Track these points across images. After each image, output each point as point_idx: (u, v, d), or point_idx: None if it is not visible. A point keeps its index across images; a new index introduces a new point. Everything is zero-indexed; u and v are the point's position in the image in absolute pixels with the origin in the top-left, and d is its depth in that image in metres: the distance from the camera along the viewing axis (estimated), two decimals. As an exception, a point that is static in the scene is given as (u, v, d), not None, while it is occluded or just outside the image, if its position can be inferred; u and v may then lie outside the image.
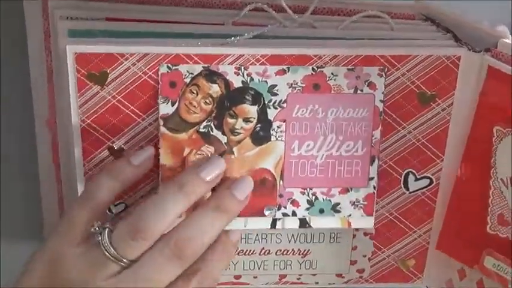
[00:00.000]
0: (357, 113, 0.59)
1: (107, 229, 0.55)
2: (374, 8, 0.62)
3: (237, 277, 0.67)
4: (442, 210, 0.64)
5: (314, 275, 0.67)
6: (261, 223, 0.61)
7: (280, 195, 0.61)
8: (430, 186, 0.64)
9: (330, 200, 0.61)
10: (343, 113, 0.59)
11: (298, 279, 0.67)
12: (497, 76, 0.57)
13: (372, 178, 0.61)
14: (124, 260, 0.54)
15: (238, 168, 0.59)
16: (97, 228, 0.55)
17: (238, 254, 0.65)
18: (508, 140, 0.58)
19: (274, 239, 0.65)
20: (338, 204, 0.61)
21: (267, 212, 0.61)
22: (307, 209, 0.61)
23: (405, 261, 0.67)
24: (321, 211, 0.61)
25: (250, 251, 0.65)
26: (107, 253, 0.54)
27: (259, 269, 0.66)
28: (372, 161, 0.61)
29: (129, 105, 0.58)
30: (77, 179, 0.60)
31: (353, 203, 0.61)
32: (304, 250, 0.66)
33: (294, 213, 0.61)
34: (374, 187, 0.61)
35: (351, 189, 0.61)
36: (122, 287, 0.53)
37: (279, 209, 0.61)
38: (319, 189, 0.61)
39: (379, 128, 0.60)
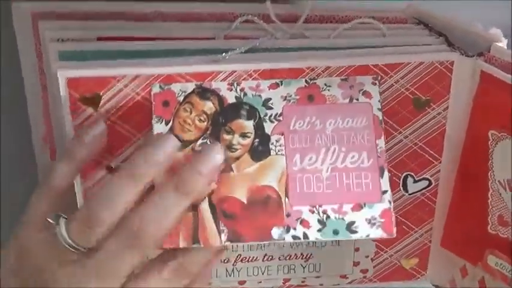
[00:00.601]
0: (356, 123, 0.58)
1: (61, 218, 0.55)
2: (366, 13, 0.61)
3: (241, 283, 0.67)
4: (442, 210, 0.65)
5: (318, 277, 0.67)
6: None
7: (288, 215, 0.57)
8: (429, 187, 0.64)
9: (343, 219, 0.57)
10: (341, 123, 0.58)
11: (303, 282, 0.68)
12: (490, 81, 0.57)
13: (386, 191, 0.57)
14: (81, 248, 0.54)
15: (239, 185, 0.57)
16: (52, 220, 0.55)
17: (241, 261, 0.66)
18: (504, 143, 0.58)
19: (277, 245, 0.66)
20: (353, 223, 0.57)
21: (275, 235, 0.57)
22: (319, 230, 0.57)
23: (408, 260, 0.68)
24: (335, 232, 0.57)
25: (253, 257, 0.66)
26: (63, 243, 0.54)
27: (263, 274, 0.67)
28: (382, 173, 0.57)
29: (124, 126, 0.58)
30: (76, 195, 0.60)
31: (369, 221, 0.57)
32: (307, 254, 0.66)
33: (305, 236, 0.57)
34: (390, 202, 0.57)
35: (365, 205, 0.57)
36: (80, 275, 0.54)
37: (287, 231, 0.57)
38: (329, 206, 0.57)
39: (382, 137, 0.58)
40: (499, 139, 0.58)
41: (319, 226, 0.57)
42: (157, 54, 0.58)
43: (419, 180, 0.63)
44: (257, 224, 0.57)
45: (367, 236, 0.57)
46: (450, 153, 0.62)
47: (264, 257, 0.66)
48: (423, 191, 0.64)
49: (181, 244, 0.55)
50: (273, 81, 0.57)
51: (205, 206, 0.56)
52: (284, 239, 0.56)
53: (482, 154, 0.60)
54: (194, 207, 0.55)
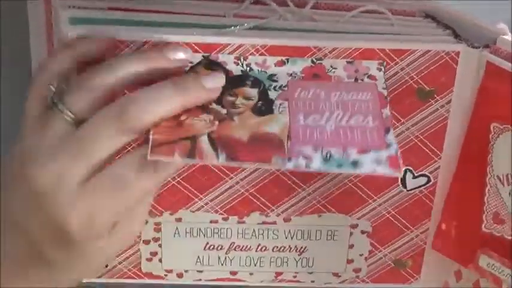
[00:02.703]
0: (360, 96, 0.57)
1: (62, 87, 0.54)
2: (375, 6, 0.62)
3: (233, 273, 0.67)
4: (440, 210, 0.64)
5: (310, 273, 0.67)
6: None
7: (290, 151, 0.53)
8: (428, 185, 0.64)
9: (347, 158, 0.53)
10: (346, 95, 0.56)
11: (294, 277, 0.67)
12: (495, 72, 0.57)
13: (391, 144, 0.54)
14: (69, 113, 0.53)
15: (240, 130, 0.54)
16: (52, 87, 0.54)
17: (234, 249, 0.65)
18: (505, 136, 0.58)
19: (271, 235, 0.65)
20: (357, 161, 0.53)
21: (275, 160, 0.53)
22: (323, 163, 0.53)
23: (402, 262, 0.67)
24: (339, 165, 0.53)
25: (246, 246, 0.65)
26: (56, 108, 0.53)
27: (255, 265, 0.66)
28: (387, 131, 0.55)
29: None
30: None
31: (375, 161, 0.53)
32: (301, 247, 0.66)
33: (307, 166, 0.53)
34: (396, 151, 0.53)
35: (370, 150, 0.54)
36: (63, 145, 0.52)
37: (289, 160, 0.53)
38: (333, 149, 0.54)
39: (388, 107, 0.56)
40: (501, 132, 0.58)
41: (323, 161, 0.53)
42: (167, 27, 0.58)
43: (418, 176, 0.63)
44: (257, 151, 0.53)
45: (373, 171, 0.53)
46: (451, 149, 0.62)
47: (258, 247, 0.65)
48: (421, 188, 0.64)
49: (176, 157, 0.52)
50: (280, 58, 0.58)
51: (203, 138, 0.53)
52: (285, 165, 0.53)
53: (483, 148, 0.59)
54: (192, 139, 0.53)
